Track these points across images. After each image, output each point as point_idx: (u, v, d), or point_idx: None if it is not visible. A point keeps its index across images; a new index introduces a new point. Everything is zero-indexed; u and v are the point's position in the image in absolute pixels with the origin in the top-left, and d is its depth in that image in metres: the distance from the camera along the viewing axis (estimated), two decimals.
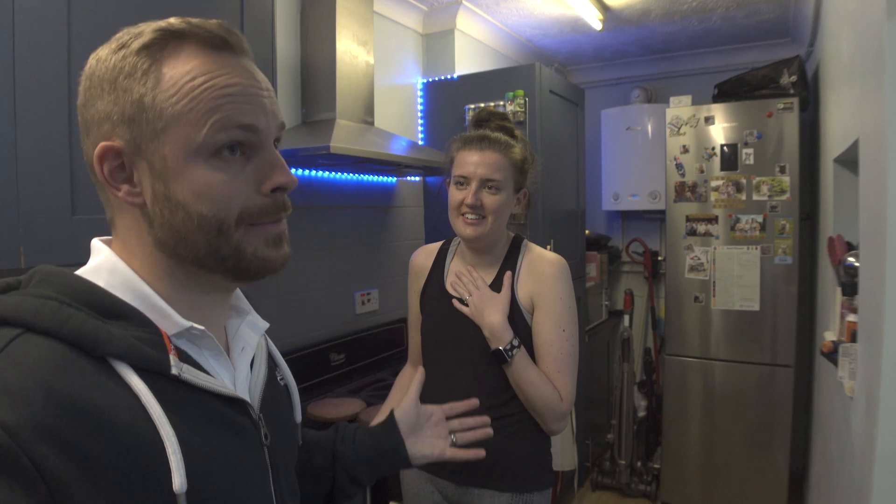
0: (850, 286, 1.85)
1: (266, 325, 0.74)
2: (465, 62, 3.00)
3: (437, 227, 2.91)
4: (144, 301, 0.58)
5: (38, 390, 0.46)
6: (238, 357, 0.69)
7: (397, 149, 2.22)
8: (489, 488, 1.38)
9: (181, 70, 0.57)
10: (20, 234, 1.09)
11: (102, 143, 0.57)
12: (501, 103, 2.69)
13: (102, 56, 0.58)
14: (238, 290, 0.73)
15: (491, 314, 1.38)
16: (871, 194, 1.44)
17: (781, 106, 2.84)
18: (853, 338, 1.71)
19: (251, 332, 0.72)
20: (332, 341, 2.35)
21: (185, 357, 0.59)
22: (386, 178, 2.70)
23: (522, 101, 2.65)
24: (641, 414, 3.48)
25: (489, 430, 1.05)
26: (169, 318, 0.59)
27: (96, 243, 0.62)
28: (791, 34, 3.28)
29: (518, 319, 1.41)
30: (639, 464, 3.38)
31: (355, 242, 2.57)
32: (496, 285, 1.45)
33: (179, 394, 0.57)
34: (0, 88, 1.04)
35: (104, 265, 0.60)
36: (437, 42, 2.97)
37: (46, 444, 0.45)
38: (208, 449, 0.57)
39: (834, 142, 2.21)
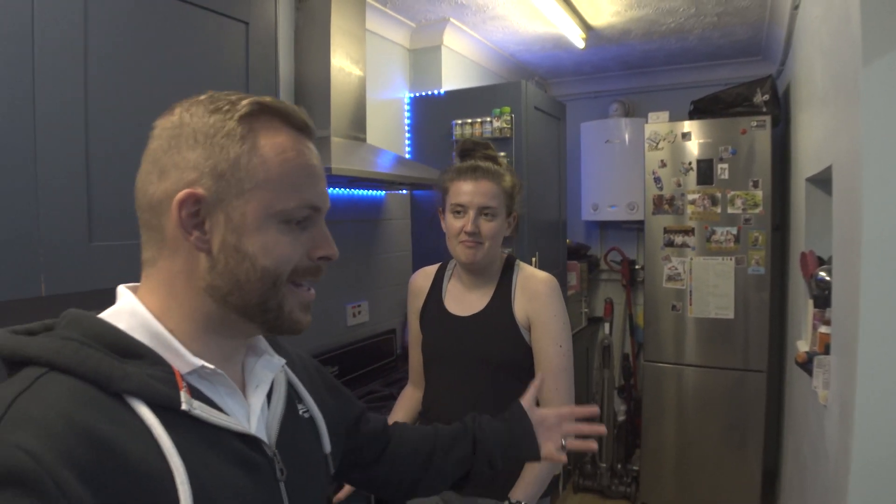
0: (821, 299, 1.96)
1: (282, 361, 0.77)
2: (451, 77, 3.07)
3: (424, 239, 2.97)
4: (160, 341, 0.62)
5: (58, 420, 0.51)
6: (253, 394, 0.72)
7: (392, 166, 2.27)
8: (492, 497, 1.44)
9: (274, 142, 0.65)
10: (40, 263, 1.12)
11: (187, 190, 0.62)
12: (488, 119, 2.76)
13: (196, 112, 0.64)
14: None
15: None
16: (845, 217, 1.54)
17: (755, 123, 2.98)
18: (826, 349, 1.82)
19: (266, 370, 0.75)
20: (325, 354, 2.39)
21: (197, 394, 0.63)
22: (376, 192, 2.75)
23: (509, 118, 2.73)
24: (621, 418, 3.59)
25: (602, 429, 1.06)
26: (182, 358, 0.63)
27: (121, 289, 0.67)
28: (763, 53, 3.43)
29: (516, 337, 1.49)
30: (619, 466, 3.49)
31: (346, 255, 2.61)
32: (493, 303, 1.52)
33: (191, 429, 0.60)
34: (20, 120, 1.07)
35: (125, 308, 0.64)
36: (424, 57, 3.04)
37: (67, 469, 0.49)
38: (218, 483, 0.60)
39: (806, 161, 2.33)
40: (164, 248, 0.64)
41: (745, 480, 3.07)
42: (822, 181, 2.20)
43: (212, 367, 0.64)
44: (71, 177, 1.16)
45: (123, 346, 0.60)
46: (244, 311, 0.65)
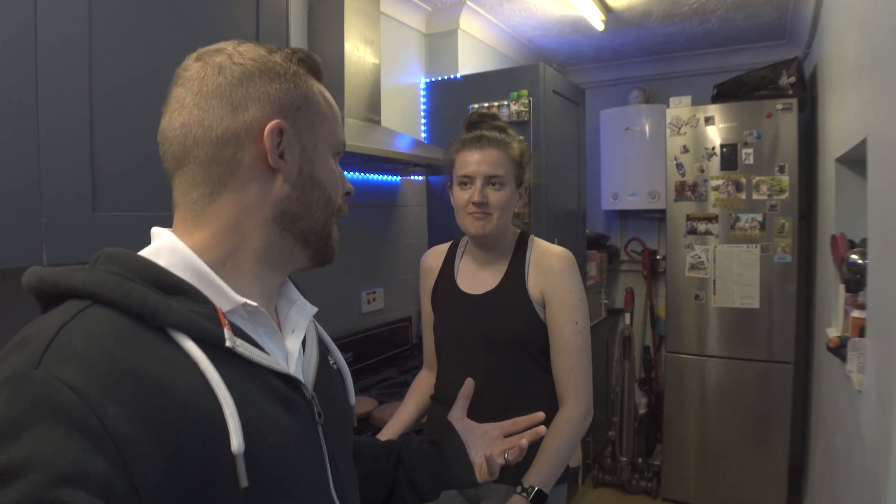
0: (853, 283, 1.88)
1: (314, 309, 0.77)
2: (467, 62, 3.01)
3: (440, 225, 2.92)
4: (202, 279, 0.62)
5: (103, 357, 0.50)
6: (289, 338, 0.72)
7: (406, 147, 2.23)
8: (506, 483, 1.38)
9: (317, 85, 0.72)
10: (42, 233, 1.08)
11: (276, 121, 0.64)
12: (505, 103, 2.70)
13: (253, 52, 0.66)
14: (287, 279, 0.78)
15: None
16: (884, 191, 1.46)
17: (780, 107, 2.88)
18: (861, 333, 1.74)
19: (300, 316, 0.75)
20: (339, 340, 2.35)
21: (239, 333, 0.62)
22: (391, 177, 2.70)
23: (526, 101, 2.66)
24: (642, 411, 3.51)
25: (540, 430, 0.97)
26: (224, 295, 0.62)
27: (156, 229, 0.67)
28: (788, 36, 3.32)
29: (530, 315, 1.43)
30: (640, 460, 3.41)
31: (361, 241, 2.57)
32: (507, 281, 1.46)
33: (235, 366, 0.60)
34: (22, 88, 1.03)
35: (164, 246, 0.63)
36: (440, 42, 2.98)
37: (113, 405, 0.48)
38: (264, 419, 0.60)
39: (835, 141, 2.24)
40: (231, 181, 0.64)
41: (771, 476, 2.97)
42: (854, 161, 2.11)
43: (254, 304, 0.64)
44: (74, 146, 1.12)
45: (166, 282, 0.59)
46: (305, 238, 0.69)
